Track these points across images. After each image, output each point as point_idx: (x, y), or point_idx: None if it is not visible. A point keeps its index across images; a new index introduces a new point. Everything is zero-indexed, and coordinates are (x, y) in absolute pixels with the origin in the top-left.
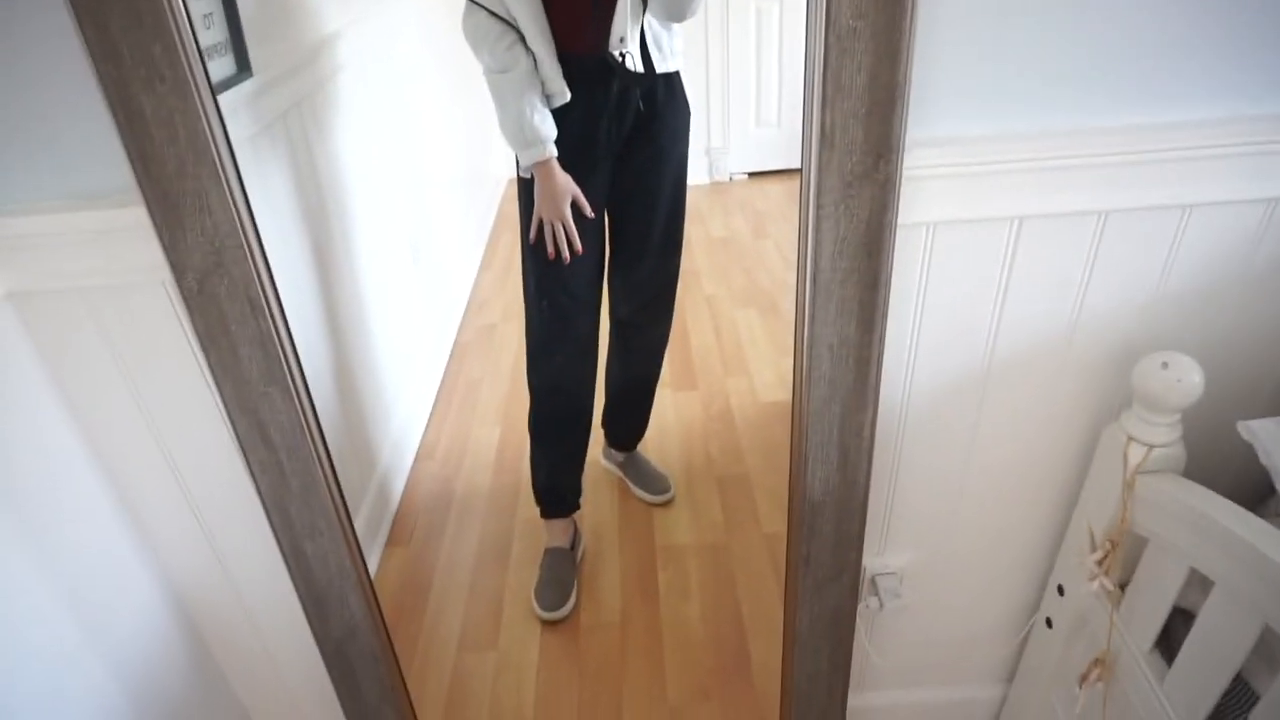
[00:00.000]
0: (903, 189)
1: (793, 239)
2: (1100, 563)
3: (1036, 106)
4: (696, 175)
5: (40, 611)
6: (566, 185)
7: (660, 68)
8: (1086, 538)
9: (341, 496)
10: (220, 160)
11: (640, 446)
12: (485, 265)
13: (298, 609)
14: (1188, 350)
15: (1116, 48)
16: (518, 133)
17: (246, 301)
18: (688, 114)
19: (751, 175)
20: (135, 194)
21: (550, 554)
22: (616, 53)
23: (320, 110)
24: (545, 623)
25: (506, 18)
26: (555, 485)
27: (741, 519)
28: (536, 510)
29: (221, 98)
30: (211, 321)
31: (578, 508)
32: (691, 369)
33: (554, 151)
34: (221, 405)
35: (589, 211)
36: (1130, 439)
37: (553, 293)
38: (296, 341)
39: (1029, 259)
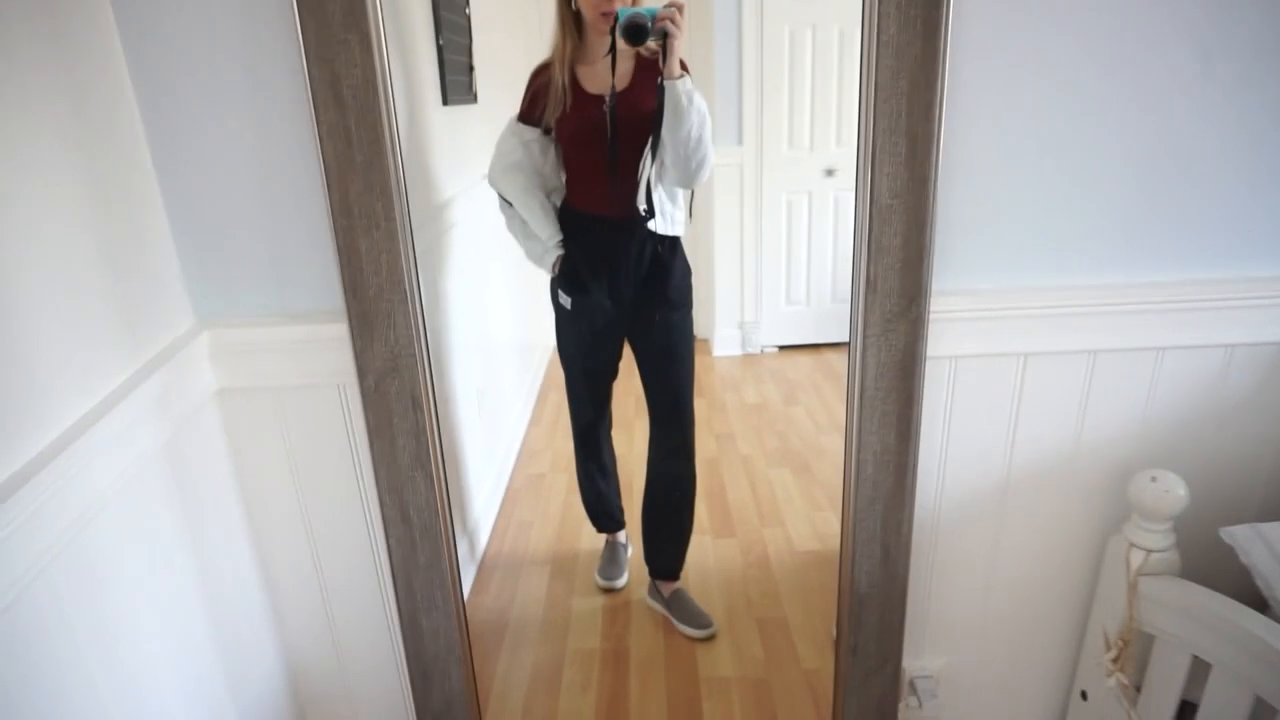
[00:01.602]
0: (931, 328)
1: (822, 407)
2: (1115, 660)
3: (1035, 266)
4: (729, 347)
5: (203, 666)
6: None
7: (664, 230)
8: (1101, 639)
9: (458, 572)
10: (409, 288)
11: (682, 585)
12: (535, 420)
13: (394, 682)
14: (1175, 468)
15: (1098, 222)
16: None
17: (410, 400)
18: (688, 271)
19: (782, 348)
20: (335, 313)
21: (608, 545)
22: (641, 208)
23: (431, 264)
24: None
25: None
26: (597, 499)
27: (781, 656)
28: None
29: None
30: (380, 416)
31: (622, 525)
32: (730, 519)
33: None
34: (371, 488)
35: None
36: (1131, 545)
37: (579, 390)
38: None
39: (1035, 389)
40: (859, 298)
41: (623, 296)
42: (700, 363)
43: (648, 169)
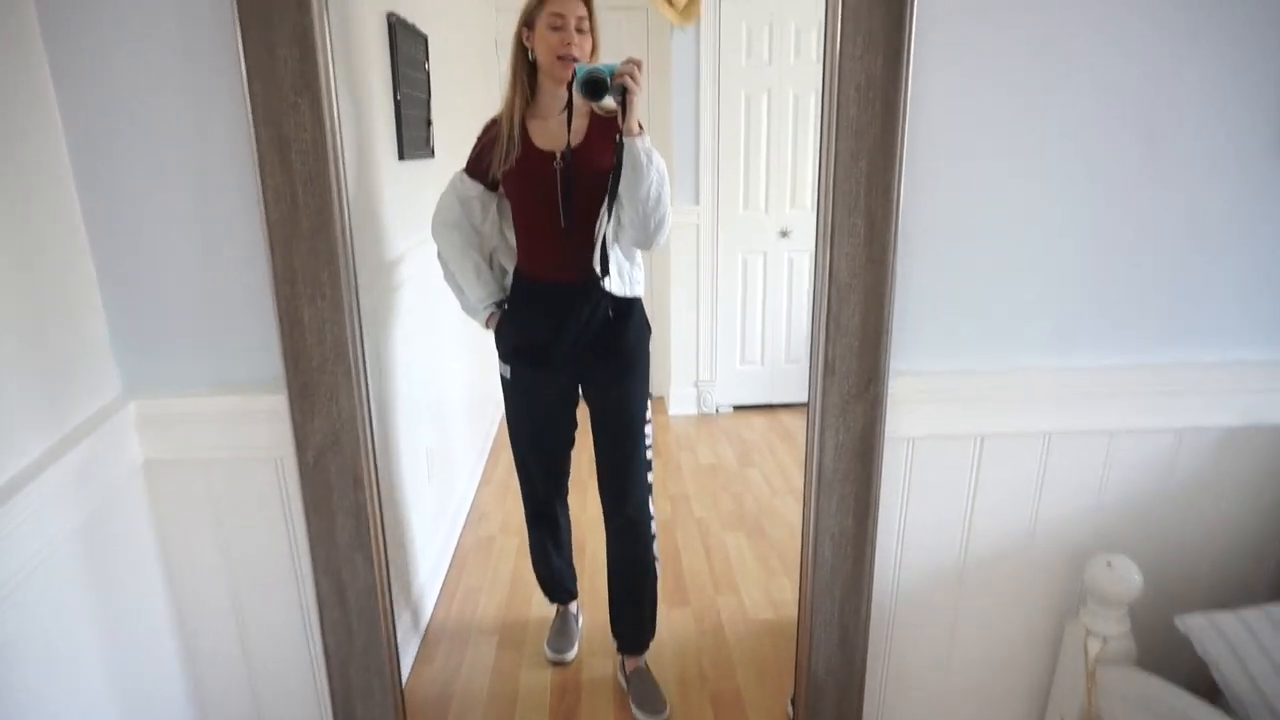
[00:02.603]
0: (889, 410)
1: (777, 468)
2: None
3: (992, 348)
4: (685, 407)
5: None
6: None
7: (621, 292)
8: None
9: (396, 658)
10: (354, 360)
11: (645, 664)
12: (485, 479)
13: None
14: (1129, 551)
15: (1053, 305)
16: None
17: (351, 477)
18: (648, 330)
19: (737, 408)
20: (274, 384)
21: (559, 615)
22: (597, 269)
23: (379, 324)
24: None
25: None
26: (549, 572)
27: None
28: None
29: None
30: (318, 493)
31: (575, 595)
32: (684, 586)
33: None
34: (307, 568)
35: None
36: (1088, 632)
37: (530, 451)
38: None
39: (992, 471)
40: (817, 379)
41: (573, 364)
42: (656, 421)
43: (604, 228)
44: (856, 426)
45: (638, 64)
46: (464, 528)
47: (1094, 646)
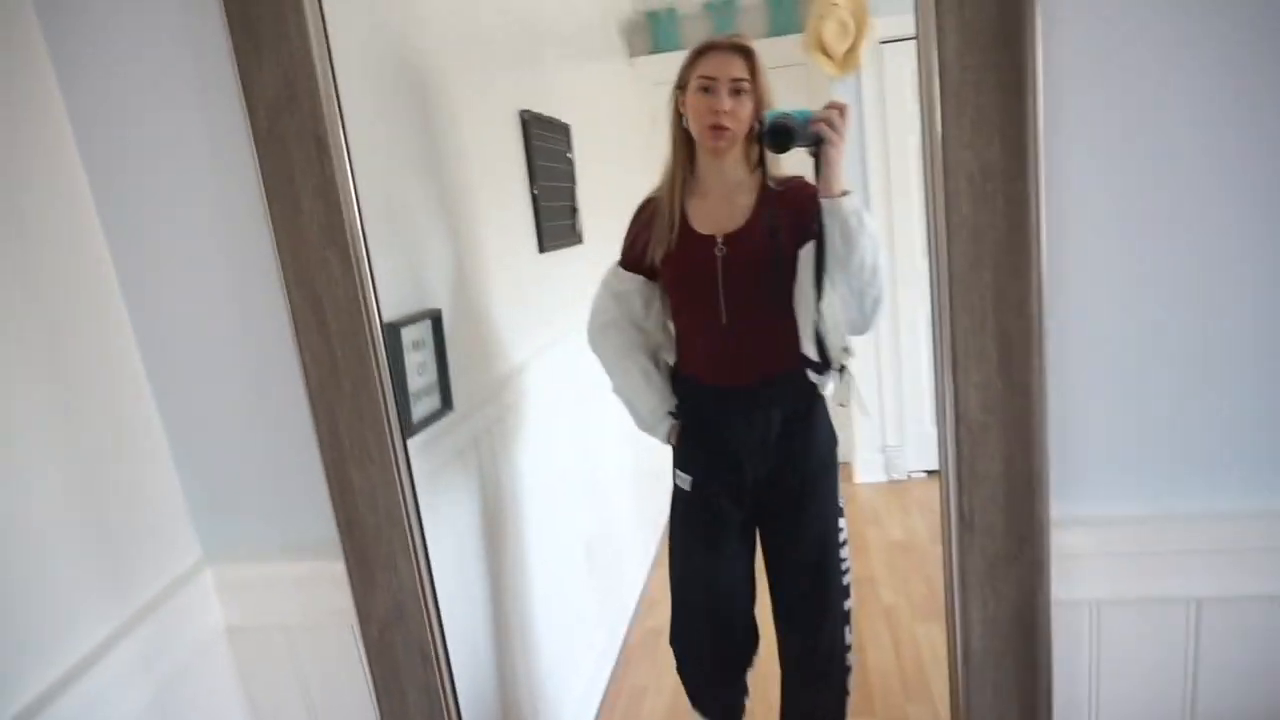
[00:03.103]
0: (1056, 565)
1: None
2: None
3: (1197, 484)
4: (872, 474)
5: None
6: None
7: (824, 392)
8: None
9: None
10: (410, 528)
11: None
12: (658, 562)
13: None
14: None
15: (1263, 424)
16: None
17: (419, 653)
18: (834, 438)
19: (930, 474)
20: (338, 548)
21: None
22: (813, 356)
23: (508, 432)
24: None
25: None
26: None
27: None
28: None
29: (426, 431)
30: (386, 669)
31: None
32: (869, 691)
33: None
34: None
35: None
36: None
37: (703, 591)
38: (464, 654)
39: (1217, 643)
40: (950, 534)
41: (744, 489)
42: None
43: (811, 312)
44: (1010, 595)
45: (841, 109)
46: (632, 617)
47: None
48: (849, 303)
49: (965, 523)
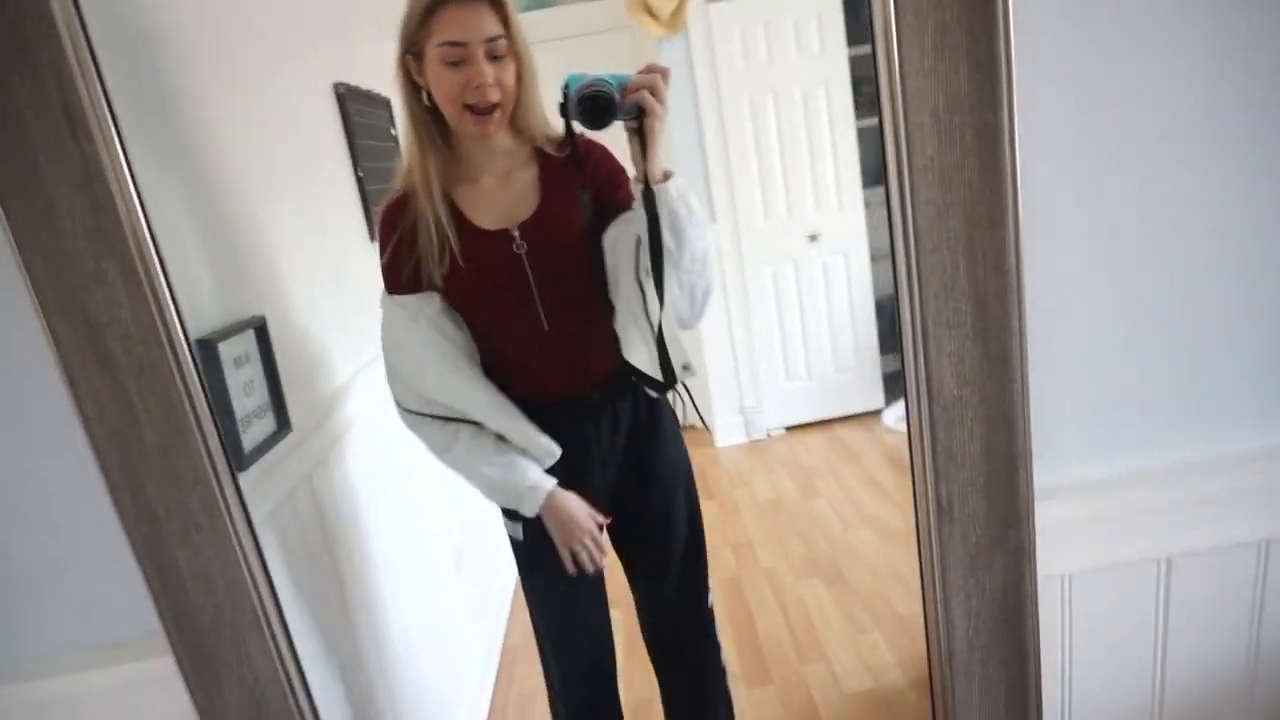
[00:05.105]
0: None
1: (844, 495)
2: None
3: (1168, 435)
4: (733, 435)
5: None
6: (578, 504)
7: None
8: None
9: None
10: (261, 606)
11: None
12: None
13: None
14: None
15: (1240, 372)
16: (502, 492)
17: None
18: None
19: (790, 429)
20: (163, 642)
21: None
22: (654, 374)
23: (357, 445)
24: None
25: (432, 410)
26: None
27: None
28: None
29: (263, 460)
30: None
31: None
32: (763, 658)
33: (552, 482)
34: None
35: (604, 519)
36: None
37: (561, 647)
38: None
39: (1185, 601)
40: (930, 527)
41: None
42: (704, 455)
43: (654, 317)
44: (995, 585)
45: (662, 73)
46: (509, 617)
47: None
48: (679, 303)
49: (945, 513)
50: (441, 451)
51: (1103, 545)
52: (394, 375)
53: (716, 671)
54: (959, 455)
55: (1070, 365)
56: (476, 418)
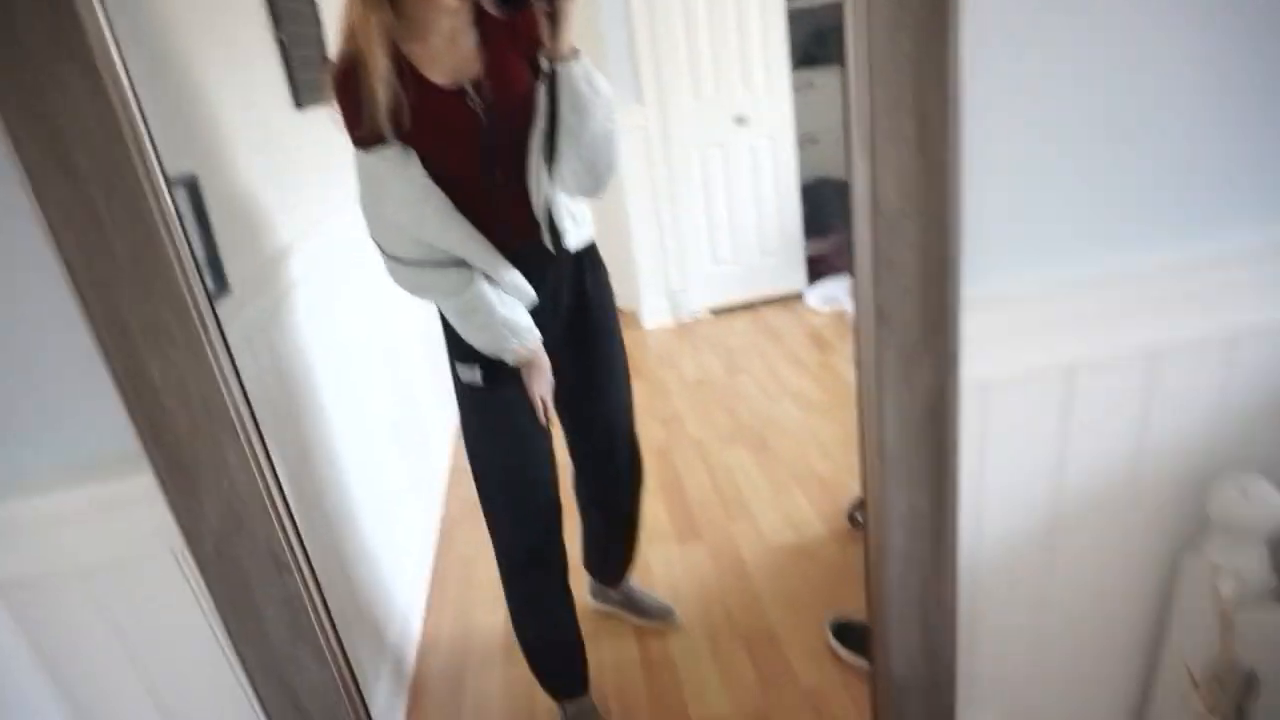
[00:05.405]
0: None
1: (768, 372)
2: (1209, 707)
3: (1078, 251)
4: (660, 318)
5: None
6: (546, 360)
7: (578, 243)
8: (1185, 678)
9: None
10: (238, 417)
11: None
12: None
13: None
14: (1255, 467)
15: (1154, 178)
16: (501, 336)
17: (271, 561)
18: (607, 275)
19: (715, 313)
20: (139, 458)
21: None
22: (546, 241)
23: (292, 314)
24: None
25: (435, 257)
26: (559, 672)
27: (776, 677)
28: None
29: None
30: (232, 587)
31: (587, 684)
32: (693, 518)
33: (539, 334)
34: (243, 674)
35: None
36: (1218, 571)
37: (530, 508)
38: None
39: (1085, 406)
40: (868, 332)
41: (553, 337)
42: (632, 338)
43: (543, 185)
44: (923, 386)
45: None
46: (446, 489)
47: (1228, 587)
48: (579, 171)
49: (882, 317)
50: (454, 293)
51: (1019, 355)
52: (386, 228)
53: (639, 468)
54: (897, 263)
55: (999, 180)
56: (474, 262)
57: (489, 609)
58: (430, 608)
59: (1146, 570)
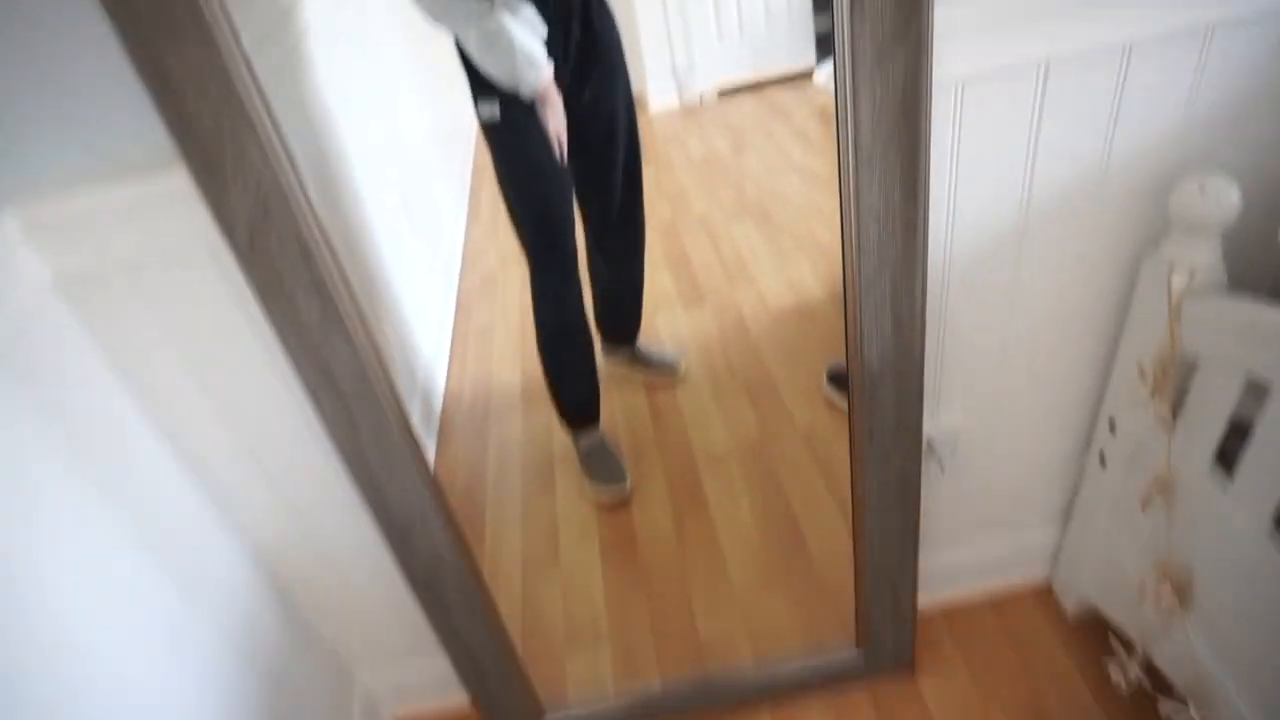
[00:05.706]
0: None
1: (774, 149)
2: (1152, 392)
3: None
4: (666, 99)
5: (148, 585)
6: (558, 95)
7: None
8: (1135, 370)
9: (409, 429)
10: (254, 110)
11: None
12: (473, 218)
13: (378, 548)
14: (1221, 168)
15: None
16: (519, 65)
17: (299, 247)
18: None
19: (722, 95)
20: (171, 156)
21: (590, 449)
22: None
23: (302, 69)
24: (607, 509)
25: None
26: (576, 396)
27: (775, 419)
28: (570, 440)
29: None
30: (267, 275)
31: (598, 418)
32: (698, 285)
33: (552, 67)
34: (286, 359)
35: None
36: (1173, 266)
37: (549, 223)
38: None
39: (1057, 104)
40: (843, 22)
41: (563, 75)
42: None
43: None
44: (897, 78)
45: None
46: (461, 268)
47: (1179, 280)
48: None
49: (856, 6)
50: (479, 17)
51: (993, 49)
52: None
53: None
54: None
55: None
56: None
57: (509, 367)
58: (451, 371)
59: (1110, 273)
